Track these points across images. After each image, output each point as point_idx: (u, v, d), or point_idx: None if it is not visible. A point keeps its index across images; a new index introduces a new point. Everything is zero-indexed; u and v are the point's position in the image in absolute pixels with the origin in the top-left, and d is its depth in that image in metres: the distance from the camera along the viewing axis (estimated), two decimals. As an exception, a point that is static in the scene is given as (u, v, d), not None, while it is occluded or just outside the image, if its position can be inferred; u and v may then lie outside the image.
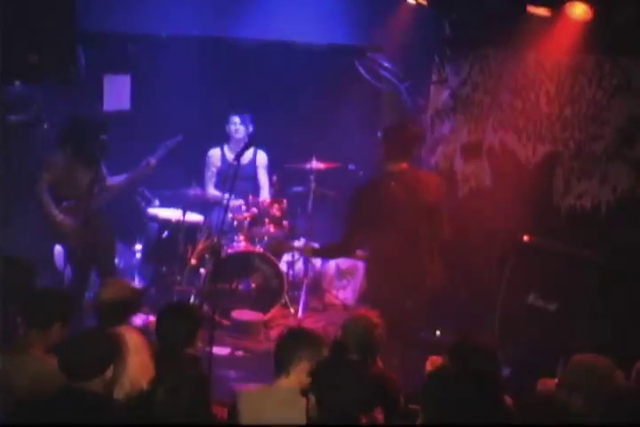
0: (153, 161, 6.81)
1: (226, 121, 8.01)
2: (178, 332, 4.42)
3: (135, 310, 4.93)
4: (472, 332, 4.49)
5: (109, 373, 3.72)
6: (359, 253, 6.90)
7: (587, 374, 4.03)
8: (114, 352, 3.78)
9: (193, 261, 7.72)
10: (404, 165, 5.72)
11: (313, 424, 3.58)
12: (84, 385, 3.63)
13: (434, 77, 7.50)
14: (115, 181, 6.90)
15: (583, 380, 4.01)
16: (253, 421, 3.87)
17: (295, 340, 4.06)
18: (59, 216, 6.61)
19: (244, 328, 7.29)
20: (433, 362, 4.46)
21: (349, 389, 3.48)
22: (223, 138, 8.11)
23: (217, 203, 7.86)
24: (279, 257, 7.92)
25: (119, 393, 3.84)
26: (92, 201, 6.57)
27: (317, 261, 8.37)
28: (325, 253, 6.64)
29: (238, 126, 7.94)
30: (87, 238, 6.57)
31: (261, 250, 7.72)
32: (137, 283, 8.19)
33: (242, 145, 7.62)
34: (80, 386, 3.63)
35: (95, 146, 6.55)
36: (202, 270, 7.67)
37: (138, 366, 3.92)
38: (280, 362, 4.01)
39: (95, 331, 4.10)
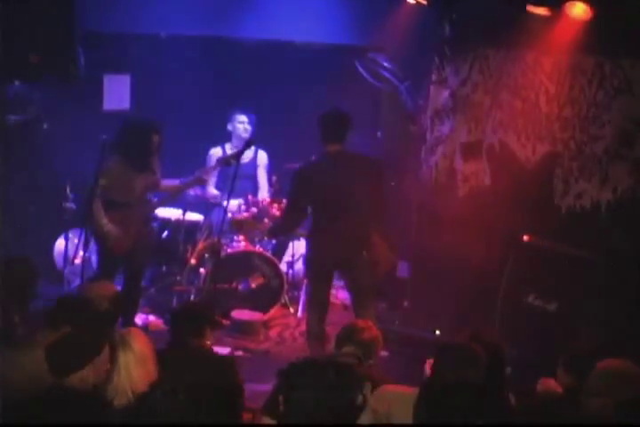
0: (205, 177, 6.97)
1: (228, 119, 8.00)
2: (184, 328, 4.49)
3: (117, 316, 4.90)
4: (478, 329, 4.47)
5: (104, 367, 3.74)
6: (300, 231, 7.07)
7: (617, 380, 3.91)
8: (95, 349, 3.77)
9: (193, 261, 7.72)
10: (339, 147, 6.19)
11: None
12: (67, 381, 3.64)
13: (433, 77, 7.49)
14: (166, 184, 6.87)
15: (614, 386, 3.89)
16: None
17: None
18: (107, 226, 6.39)
19: (243, 328, 7.29)
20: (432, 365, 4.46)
21: (313, 390, 3.46)
22: (224, 137, 8.10)
23: (217, 203, 7.86)
24: (243, 235, 7.76)
25: (121, 402, 3.82)
26: (143, 208, 6.57)
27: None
28: (274, 232, 6.92)
29: (247, 126, 7.95)
30: (129, 248, 6.48)
31: (261, 250, 7.72)
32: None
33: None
34: (66, 385, 3.63)
35: (147, 149, 6.48)
36: (201, 270, 7.67)
37: (142, 377, 3.89)
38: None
39: (82, 326, 4.10)
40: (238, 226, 7.37)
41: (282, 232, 7.06)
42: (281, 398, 3.47)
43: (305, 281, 7.96)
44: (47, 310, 4.39)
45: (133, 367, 3.86)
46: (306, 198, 6.17)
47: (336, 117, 6.25)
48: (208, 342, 4.78)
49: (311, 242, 6.33)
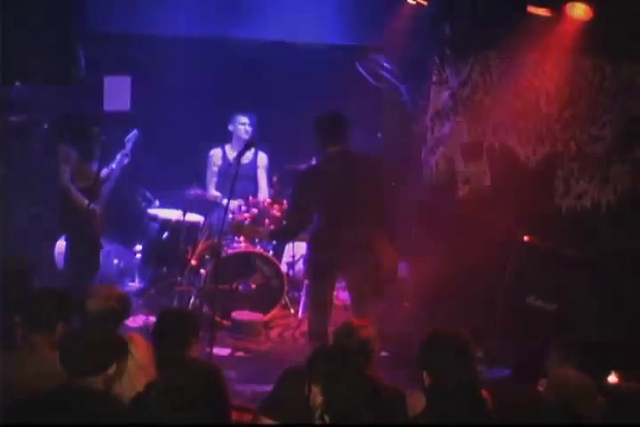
0: (126, 160, 7.12)
1: (229, 120, 8.00)
2: (172, 335, 4.44)
3: (124, 318, 4.91)
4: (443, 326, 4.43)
5: (111, 371, 3.73)
6: (304, 236, 6.98)
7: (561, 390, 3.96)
8: (118, 351, 3.78)
9: (193, 262, 7.72)
10: (339, 148, 6.09)
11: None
12: (84, 382, 3.63)
13: (434, 78, 7.49)
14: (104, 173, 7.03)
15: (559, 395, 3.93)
16: None
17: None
18: (90, 205, 6.71)
19: (244, 329, 7.29)
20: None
21: (351, 376, 3.50)
22: (224, 138, 8.10)
23: (217, 204, 7.86)
24: (242, 238, 7.71)
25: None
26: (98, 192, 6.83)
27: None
28: (275, 236, 6.85)
29: (247, 127, 7.94)
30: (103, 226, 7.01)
31: (262, 250, 7.72)
32: (137, 283, 8.21)
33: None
34: (81, 384, 3.63)
35: (92, 141, 6.76)
36: (202, 271, 7.66)
37: (143, 383, 3.88)
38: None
39: (99, 328, 4.10)
40: (238, 229, 7.36)
41: (284, 237, 6.98)
42: (317, 388, 3.48)
43: (305, 282, 7.97)
44: (33, 311, 4.35)
45: (134, 374, 3.85)
46: (308, 201, 6.10)
47: (331, 119, 6.15)
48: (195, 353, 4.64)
49: (312, 243, 6.30)
